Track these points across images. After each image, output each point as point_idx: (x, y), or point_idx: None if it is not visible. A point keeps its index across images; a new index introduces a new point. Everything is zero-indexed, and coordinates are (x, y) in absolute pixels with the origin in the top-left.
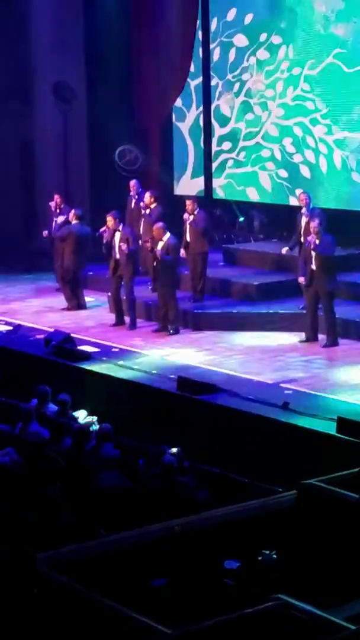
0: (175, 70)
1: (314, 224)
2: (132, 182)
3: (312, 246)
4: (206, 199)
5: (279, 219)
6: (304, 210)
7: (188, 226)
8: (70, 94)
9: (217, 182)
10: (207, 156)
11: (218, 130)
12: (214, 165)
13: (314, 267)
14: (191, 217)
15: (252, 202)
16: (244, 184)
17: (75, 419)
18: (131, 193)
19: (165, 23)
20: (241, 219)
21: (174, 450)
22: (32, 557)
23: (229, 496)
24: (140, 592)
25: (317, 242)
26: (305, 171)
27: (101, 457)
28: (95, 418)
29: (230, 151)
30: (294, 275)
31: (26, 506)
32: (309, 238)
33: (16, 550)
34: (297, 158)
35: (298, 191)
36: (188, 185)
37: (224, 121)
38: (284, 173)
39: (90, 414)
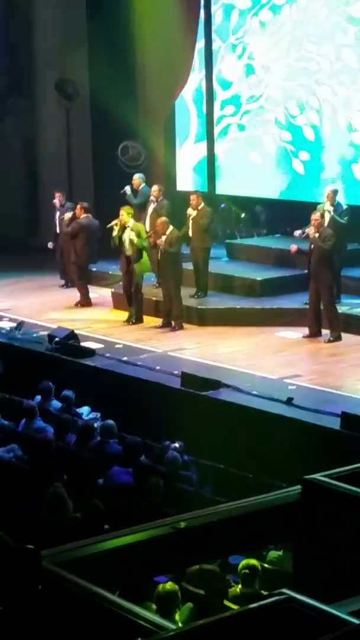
0: (178, 66)
1: (315, 216)
2: (135, 177)
3: (311, 238)
4: (210, 195)
5: (282, 215)
6: (327, 205)
7: (191, 221)
8: (73, 91)
9: (220, 147)
10: (210, 153)
11: (220, 94)
12: (217, 130)
13: (312, 260)
14: (194, 212)
15: (255, 197)
16: (247, 149)
17: (79, 415)
18: (126, 189)
19: (168, 19)
20: (242, 214)
21: (176, 444)
22: (37, 553)
23: (233, 492)
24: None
25: (317, 234)
26: (309, 134)
27: (105, 453)
28: (99, 414)
29: (233, 115)
30: (298, 271)
31: (31, 502)
32: (308, 230)
33: (20, 547)
34: (300, 120)
35: (328, 188)
36: (191, 150)
37: (226, 85)
38: (287, 136)
39: (93, 410)
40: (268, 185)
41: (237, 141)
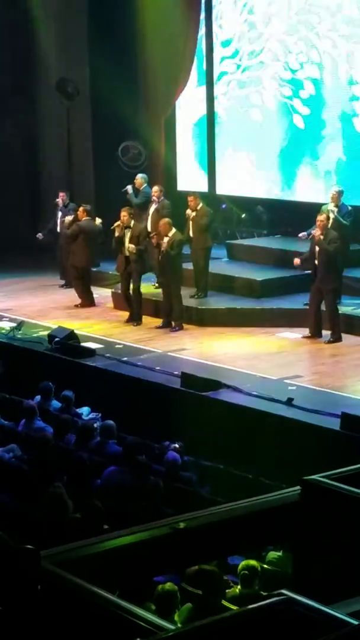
0: (179, 66)
1: (320, 217)
2: (138, 177)
3: (316, 240)
4: (210, 195)
5: (283, 215)
6: (330, 206)
7: (191, 222)
8: (74, 90)
9: (220, 105)
10: (210, 150)
11: (220, 51)
12: (217, 87)
13: (317, 262)
14: (193, 213)
15: (256, 198)
16: (247, 106)
17: (79, 416)
18: (127, 188)
19: (170, 18)
20: (243, 215)
21: (176, 445)
22: (36, 553)
23: (233, 492)
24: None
25: (322, 236)
26: (309, 88)
27: (105, 454)
28: (99, 414)
29: (233, 72)
30: (298, 271)
31: (30, 502)
32: (314, 232)
33: (20, 547)
34: (301, 74)
35: (333, 188)
36: (191, 110)
37: (226, 41)
38: (287, 91)
39: (93, 410)
40: (268, 141)
41: (237, 98)
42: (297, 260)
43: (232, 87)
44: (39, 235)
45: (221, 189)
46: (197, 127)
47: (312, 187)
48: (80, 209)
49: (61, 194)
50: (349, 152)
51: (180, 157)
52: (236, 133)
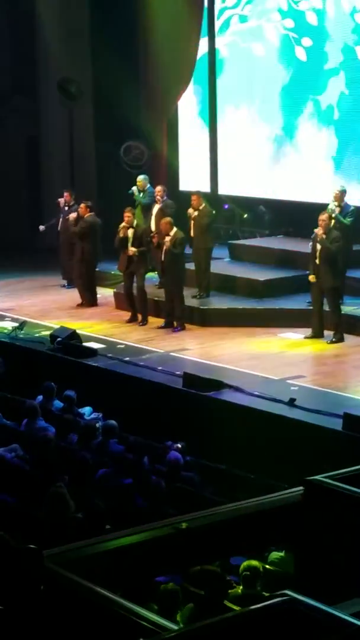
0: (181, 66)
1: (323, 217)
2: (139, 178)
3: (317, 239)
4: (213, 194)
5: (285, 215)
6: (332, 205)
7: (193, 222)
8: (76, 90)
9: (221, 41)
10: (212, 151)
11: None
12: (218, 24)
13: (318, 261)
14: (195, 213)
15: (257, 198)
16: (249, 40)
17: (81, 416)
18: (133, 189)
19: (172, 19)
20: (245, 215)
21: (178, 445)
22: (39, 553)
23: (235, 492)
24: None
25: (324, 235)
26: (312, 18)
27: (107, 454)
28: (100, 414)
29: (234, 7)
30: (300, 272)
31: (32, 502)
32: (316, 230)
33: (23, 547)
34: (303, 5)
35: (336, 188)
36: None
37: None
38: (290, 23)
39: (95, 410)
40: (271, 78)
41: (238, 33)
42: (312, 277)
43: (233, 22)
44: (41, 227)
45: (223, 189)
46: (197, 69)
47: (313, 140)
48: (82, 205)
49: (65, 194)
50: (351, 85)
51: (183, 157)
52: (238, 70)
